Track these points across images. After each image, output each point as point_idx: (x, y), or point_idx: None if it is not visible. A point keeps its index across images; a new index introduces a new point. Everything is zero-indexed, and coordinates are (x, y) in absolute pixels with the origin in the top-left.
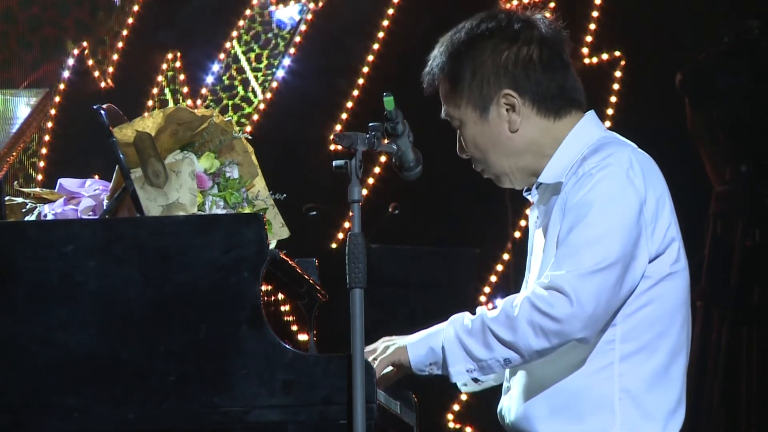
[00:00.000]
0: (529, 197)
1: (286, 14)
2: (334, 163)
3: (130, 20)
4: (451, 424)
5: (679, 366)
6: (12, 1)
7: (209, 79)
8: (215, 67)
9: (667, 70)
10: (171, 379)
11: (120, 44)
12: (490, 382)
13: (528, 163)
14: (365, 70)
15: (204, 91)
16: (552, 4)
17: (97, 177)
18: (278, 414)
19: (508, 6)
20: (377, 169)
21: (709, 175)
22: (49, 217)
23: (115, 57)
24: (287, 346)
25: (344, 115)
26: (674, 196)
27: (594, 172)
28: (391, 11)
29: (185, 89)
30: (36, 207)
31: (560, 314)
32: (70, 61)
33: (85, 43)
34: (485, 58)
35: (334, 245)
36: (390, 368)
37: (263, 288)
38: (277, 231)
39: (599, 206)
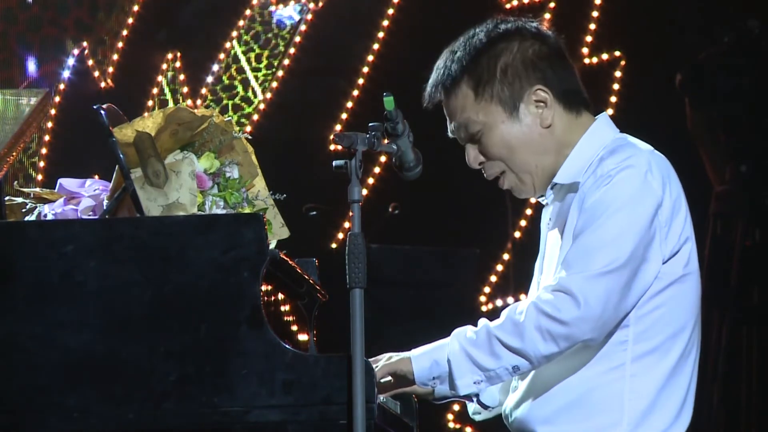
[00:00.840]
0: (542, 200)
1: (286, 14)
2: (334, 163)
3: (130, 20)
4: (451, 424)
5: (689, 367)
6: (12, 1)
7: (209, 79)
8: (215, 67)
9: (667, 70)
10: (171, 379)
11: (120, 44)
12: (498, 408)
13: (550, 162)
14: (365, 70)
15: (204, 91)
16: (552, 4)
17: (97, 177)
18: (278, 414)
19: (508, 6)
20: (377, 169)
21: (709, 175)
22: (49, 217)
23: (115, 57)
24: (287, 346)
25: (344, 115)
26: None
27: (614, 174)
28: (391, 11)
29: (185, 89)
30: (36, 207)
31: (568, 317)
32: (70, 61)
33: (85, 43)
34: (514, 54)
35: (334, 245)
36: (388, 378)
37: (263, 288)
38: (277, 231)
39: (614, 208)
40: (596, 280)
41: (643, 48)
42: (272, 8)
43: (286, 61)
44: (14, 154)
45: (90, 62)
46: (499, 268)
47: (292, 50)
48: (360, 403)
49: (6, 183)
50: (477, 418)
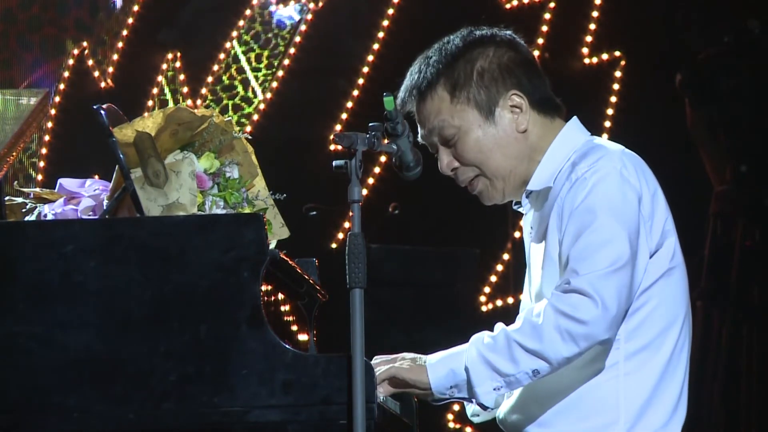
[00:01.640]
0: (520, 210)
1: (286, 14)
2: (334, 163)
3: (130, 20)
4: (451, 424)
5: (682, 361)
6: (12, 1)
7: (209, 79)
8: (215, 67)
9: (667, 70)
10: (171, 379)
11: (120, 44)
12: (497, 410)
13: (524, 168)
14: (365, 70)
15: (204, 91)
16: (552, 4)
17: (97, 177)
18: (278, 414)
19: (508, 6)
20: (377, 169)
21: (709, 175)
22: (49, 217)
23: (115, 57)
24: (287, 346)
25: (344, 115)
26: (674, 196)
27: (588, 176)
28: (391, 11)
29: (185, 89)
30: (36, 207)
31: (587, 316)
32: (70, 61)
33: (85, 43)
34: (491, 59)
35: (334, 245)
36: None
37: (263, 288)
38: (277, 231)
39: (602, 210)
40: (607, 279)
41: (643, 48)
42: (272, 8)
43: (286, 61)
44: (14, 154)
45: (90, 62)
46: (499, 268)
47: (292, 50)
48: (360, 403)
49: (6, 183)
50: (476, 420)
